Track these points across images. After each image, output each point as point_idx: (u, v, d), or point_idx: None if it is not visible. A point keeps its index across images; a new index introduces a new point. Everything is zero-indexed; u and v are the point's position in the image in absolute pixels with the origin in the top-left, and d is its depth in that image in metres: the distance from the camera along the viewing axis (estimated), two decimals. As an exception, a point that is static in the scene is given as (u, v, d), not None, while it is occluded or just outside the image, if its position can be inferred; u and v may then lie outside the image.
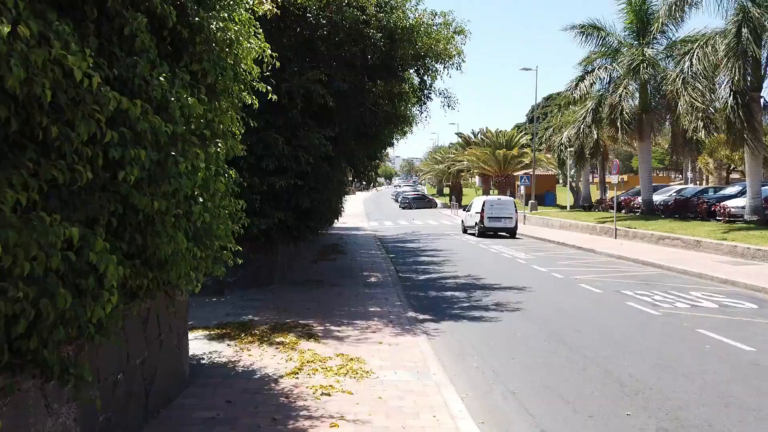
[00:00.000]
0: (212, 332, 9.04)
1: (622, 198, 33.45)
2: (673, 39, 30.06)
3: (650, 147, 33.14)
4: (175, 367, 6.52)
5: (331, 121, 13.06)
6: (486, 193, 59.84)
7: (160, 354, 5.97)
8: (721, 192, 29.68)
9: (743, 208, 23.82)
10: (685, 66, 23.90)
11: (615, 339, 9.25)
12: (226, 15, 4.94)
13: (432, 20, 14.02)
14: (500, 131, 66.10)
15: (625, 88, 29.67)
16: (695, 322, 10.29)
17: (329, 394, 6.27)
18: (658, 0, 29.03)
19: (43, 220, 2.75)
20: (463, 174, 68.72)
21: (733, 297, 12.73)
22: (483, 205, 28.98)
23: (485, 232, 28.69)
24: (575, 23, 31.57)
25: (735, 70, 21.29)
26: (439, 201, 70.09)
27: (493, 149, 59.11)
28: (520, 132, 66.65)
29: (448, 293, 13.51)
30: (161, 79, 3.91)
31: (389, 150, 59.83)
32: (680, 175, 63.01)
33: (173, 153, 3.99)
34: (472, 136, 72.09)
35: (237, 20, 5.30)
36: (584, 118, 31.94)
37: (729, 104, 22.03)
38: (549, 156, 53.63)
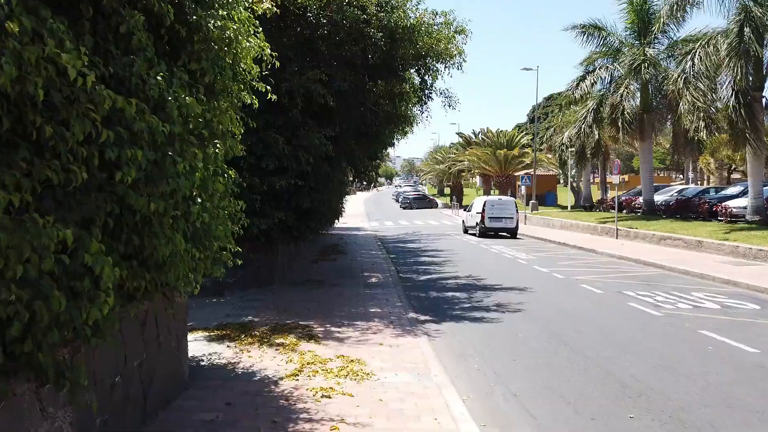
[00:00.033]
0: (212, 333, 8.98)
1: (623, 198, 33.38)
2: (675, 39, 30.02)
3: (651, 147, 33.08)
4: (174, 369, 6.47)
5: (332, 121, 13.01)
6: (487, 193, 59.77)
7: (159, 356, 5.92)
8: (723, 192, 29.62)
9: (745, 208, 23.75)
10: (687, 65, 23.82)
11: (617, 340, 9.19)
12: (224, 13, 4.89)
13: (433, 20, 13.97)
14: (501, 131, 66.05)
15: (626, 88, 29.61)
16: (697, 323, 10.23)
17: (330, 397, 6.22)
18: (659, 0, 29.01)
19: (36, 222, 2.69)
20: (463, 174, 68.63)
21: (735, 298, 12.66)
22: (484, 205, 28.93)
23: (486, 232, 28.63)
24: (576, 23, 31.57)
25: (737, 70, 21.22)
26: (439, 201, 70.04)
27: (493, 149, 59.04)
28: (521, 132, 66.59)
29: (449, 294, 13.45)
30: (158, 78, 3.85)
31: (390, 150, 59.79)
32: (681, 175, 62.96)
33: (170, 153, 3.93)
34: (473, 136, 72.04)
35: (236, 19, 5.24)
36: (585, 117, 31.89)
37: (731, 104, 21.97)
38: (550, 156, 53.58)
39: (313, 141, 11.95)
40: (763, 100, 23.95)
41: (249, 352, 8.00)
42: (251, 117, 7.49)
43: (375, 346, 8.42)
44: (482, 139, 67.24)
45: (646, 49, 29.60)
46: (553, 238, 26.66)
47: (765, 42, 22.00)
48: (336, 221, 24.59)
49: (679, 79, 24.01)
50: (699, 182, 50.57)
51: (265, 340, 8.60)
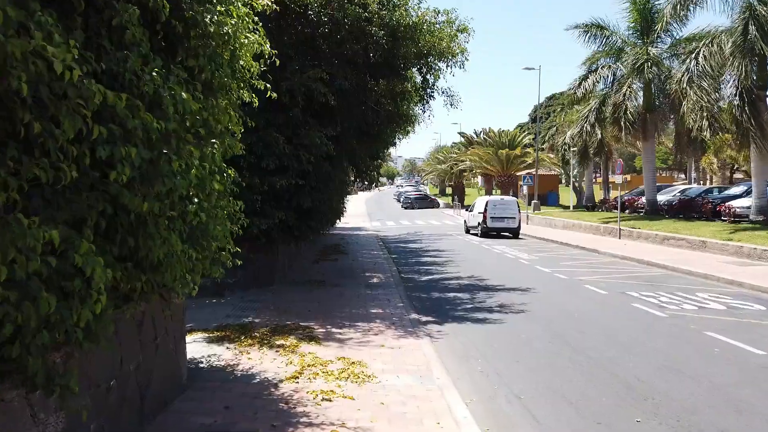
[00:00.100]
0: (211, 335, 8.89)
1: (625, 198, 33.25)
2: (678, 38, 29.88)
3: (654, 146, 32.94)
4: (172, 371, 6.37)
5: (333, 120, 12.91)
6: (488, 193, 59.69)
7: (156, 358, 5.82)
8: (726, 192, 29.47)
9: (749, 208, 23.61)
10: (691, 64, 23.68)
11: (621, 341, 9.08)
12: (222, 9, 4.78)
13: (435, 18, 13.88)
14: (503, 131, 65.95)
15: (629, 87, 29.48)
16: (703, 324, 10.12)
17: (330, 400, 6.12)
18: (662, -2, 28.88)
19: (20, 222, 2.59)
20: (465, 174, 68.51)
21: (740, 298, 12.54)
22: (486, 205, 28.81)
23: (488, 232, 28.52)
24: (579, 23, 31.43)
25: (741, 68, 21.10)
26: (441, 201, 69.95)
27: (495, 149, 58.92)
28: (523, 132, 66.50)
29: (451, 294, 13.35)
30: (153, 74, 3.74)
31: (391, 150, 59.73)
32: (683, 175, 62.80)
33: (166, 151, 3.82)
34: (475, 136, 71.92)
35: (235, 15, 5.13)
36: (587, 117, 31.77)
37: (736, 103, 21.84)
38: (552, 156, 53.49)
39: (314, 140, 11.85)
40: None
41: (249, 353, 7.90)
42: (251, 116, 7.41)
43: (376, 348, 8.32)
44: (484, 138, 67.12)
45: (649, 48, 29.47)
46: (555, 238, 26.54)
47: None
48: (337, 221, 24.50)
49: (682, 78, 23.86)
50: (701, 182, 50.39)
51: (265, 341, 8.50)
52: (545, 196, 48.58)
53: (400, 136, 21.21)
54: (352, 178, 25.03)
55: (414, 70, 14.98)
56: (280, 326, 9.48)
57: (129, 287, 4.17)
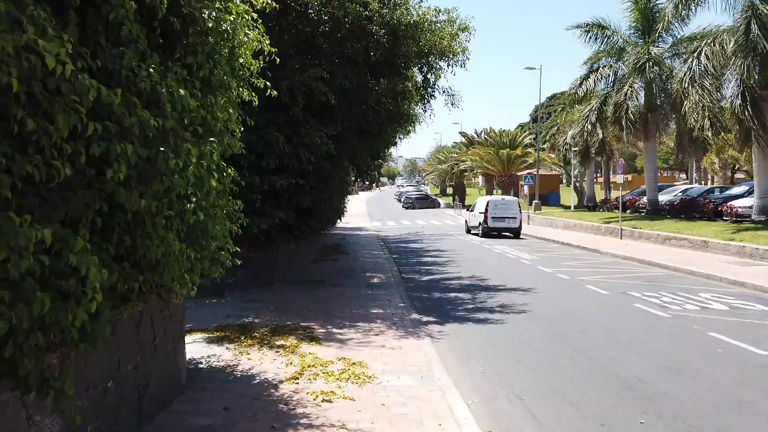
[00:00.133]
0: (211, 335, 8.83)
1: (626, 198, 33.19)
2: (679, 37, 29.82)
3: (655, 146, 32.89)
4: (170, 371, 6.32)
5: (333, 119, 12.85)
6: (489, 193, 59.58)
7: (155, 358, 5.77)
8: (728, 192, 29.40)
9: (751, 208, 23.54)
10: (693, 63, 23.61)
11: (623, 341, 9.02)
12: (220, 5, 4.72)
13: (436, 17, 13.82)
14: (504, 131, 65.77)
15: (630, 87, 29.42)
16: (705, 324, 10.05)
17: (330, 401, 6.06)
18: (664, -2, 28.81)
19: (11, 221, 2.53)
20: (466, 174, 68.40)
21: (742, 299, 12.47)
22: (487, 205, 28.75)
23: (489, 232, 28.45)
24: (580, 22, 31.38)
25: (744, 67, 21.03)
26: (442, 201, 69.90)
27: (496, 149, 58.76)
28: (524, 132, 66.32)
29: (452, 294, 13.29)
30: (150, 70, 3.68)
31: (392, 150, 59.69)
32: (684, 175, 62.72)
33: (163, 149, 3.75)
34: (476, 136, 71.78)
35: (234, 11, 5.08)
36: (588, 116, 31.72)
37: (738, 102, 21.76)
38: (553, 156, 53.41)
39: (314, 139, 11.79)
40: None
41: (248, 354, 7.85)
42: (251, 115, 7.35)
43: (377, 348, 8.26)
44: (485, 138, 66.96)
45: (651, 47, 29.40)
46: (556, 238, 26.47)
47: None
48: (338, 221, 24.43)
49: (684, 77, 23.79)
50: (702, 182, 50.32)
51: (265, 341, 8.45)
52: (546, 196, 48.50)
53: (401, 136, 21.14)
54: (353, 178, 24.97)
55: (415, 69, 14.92)
56: (281, 326, 9.42)
57: (126, 287, 4.11)
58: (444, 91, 16.41)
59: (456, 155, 70.94)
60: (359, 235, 30.12)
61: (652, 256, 19.11)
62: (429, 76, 15.22)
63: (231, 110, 5.47)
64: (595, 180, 45.59)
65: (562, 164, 52.53)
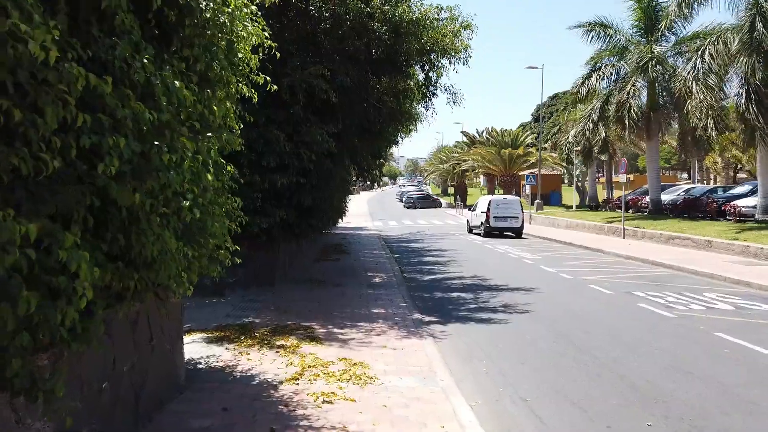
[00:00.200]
0: (211, 335, 8.73)
1: (629, 197, 33.04)
2: (682, 36, 29.68)
3: (658, 145, 32.74)
4: (168, 371, 6.22)
5: (334, 117, 12.72)
6: (491, 192, 59.36)
7: (152, 358, 5.67)
8: (731, 191, 29.26)
9: (754, 207, 23.40)
10: (696, 62, 23.47)
11: (627, 341, 8.90)
12: (218, -3, 4.60)
13: (438, 15, 13.68)
14: (505, 130, 65.56)
15: (633, 86, 29.27)
16: (711, 324, 9.93)
17: (331, 402, 5.95)
18: (667, -4, 28.68)
19: (-7, 215, 2.42)
20: (467, 173, 68.24)
21: (747, 298, 12.34)
22: (488, 204, 28.62)
23: (491, 231, 28.33)
24: (582, 21, 31.26)
25: (748, 66, 20.89)
26: (443, 201, 69.77)
27: (498, 148, 58.57)
28: (526, 131, 66.12)
29: (455, 294, 13.17)
30: (144, 61, 3.57)
31: (394, 149, 59.51)
32: (686, 175, 62.52)
33: (158, 143, 3.64)
34: (477, 135, 71.59)
35: (232, 4, 4.96)
36: (591, 115, 31.57)
37: (742, 101, 21.63)
38: (555, 155, 53.24)
39: (315, 137, 11.67)
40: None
41: (248, 354, 7.74)
42: (252, 112, 7.24)
43: (378, 349, 8.15)
44: (486, 138, 66.77)
45: (653, 46, 29.28)
46: (558, 238, 26.34)
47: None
48: (339, 220, 24.32)
49: (688, 76, 23.65)
50: (705, 181, 50.15)
51: (266, 341, 8.34)
52: (548, 195, 48.37)
53: (403, 135, 20.97)
54: (354, 177, 24.81)
55: (416, 66, 14.76)
56: (281, 326, 9.31)
57: (121, 286, 4.00)
58: (446, 89, 16.23)
59: (457, 155, 70.76)
60: (360, 235, 30.01)
61: (655, 255, 18.98)
62: (431, 73, 15.07)
63: (229, 104, 5.35)
64: (597, 180, 45.43)
65: (564, 164, 52.38)
